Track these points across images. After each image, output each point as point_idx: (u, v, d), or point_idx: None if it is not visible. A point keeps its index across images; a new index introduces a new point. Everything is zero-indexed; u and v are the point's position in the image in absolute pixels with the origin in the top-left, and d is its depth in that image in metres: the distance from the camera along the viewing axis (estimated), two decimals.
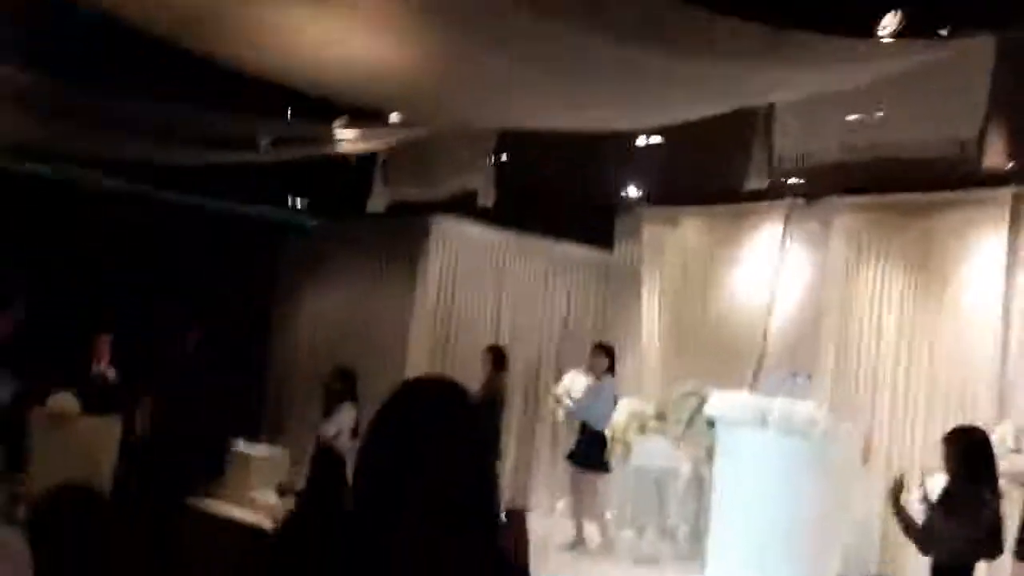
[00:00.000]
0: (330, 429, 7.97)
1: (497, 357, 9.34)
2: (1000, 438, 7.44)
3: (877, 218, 8.93)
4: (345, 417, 8.07)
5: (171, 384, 10.16)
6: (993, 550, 5.06)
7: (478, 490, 1.69)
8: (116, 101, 6.44)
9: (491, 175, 7.79)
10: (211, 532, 8.90)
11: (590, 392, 8.81)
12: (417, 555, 1.64)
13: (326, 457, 7.99)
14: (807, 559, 7.27)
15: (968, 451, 4.94)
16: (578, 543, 8.68)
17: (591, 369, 8.92)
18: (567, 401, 9.72)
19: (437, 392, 1.82)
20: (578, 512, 8.91)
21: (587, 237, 11.07)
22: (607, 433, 9.09)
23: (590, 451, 8.76)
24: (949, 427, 7.94)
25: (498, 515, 1.77)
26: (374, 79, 5.19)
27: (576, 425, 9.19)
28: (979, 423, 7.65)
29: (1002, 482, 7.28)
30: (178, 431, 9.97)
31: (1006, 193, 8.08)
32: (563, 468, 9.55)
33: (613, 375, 8.90)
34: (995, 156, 4.98)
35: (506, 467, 10.33)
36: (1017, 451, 7.12)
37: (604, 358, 8.82)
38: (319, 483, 7.90)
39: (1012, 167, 7.07)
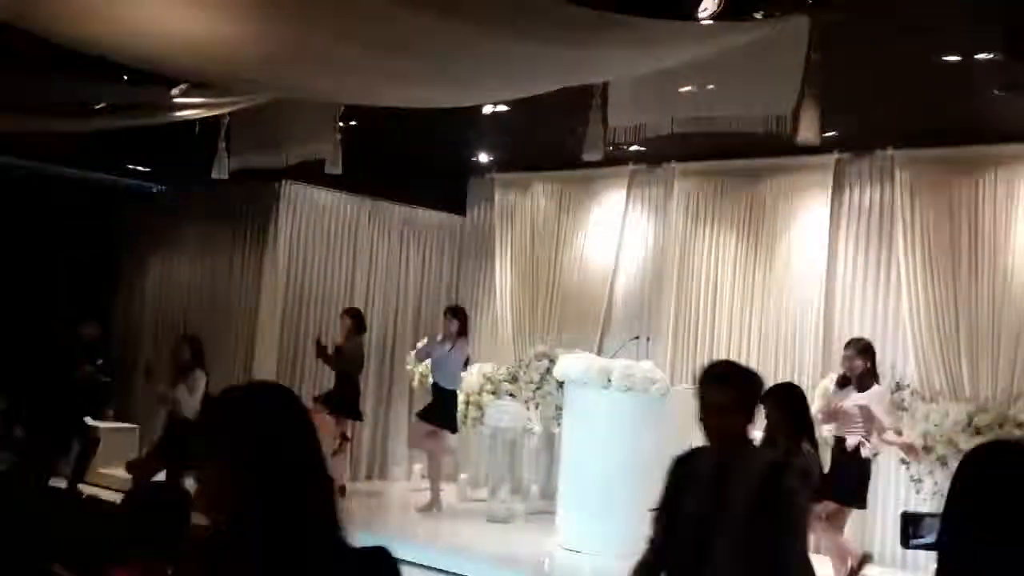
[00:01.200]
0: (184, 396, 7.89)
1: (356, 319, 9.41)
2: (823, 390, 7.98)
3: (712, 183, 9.35)
4: (198, 385, 8.00)
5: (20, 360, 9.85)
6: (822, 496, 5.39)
7: None
8: None
9: (338, 143, 7.76)
10: (63, 510, 8.70)
11: (439, 353, 8.97)
12: None
13: (180, 426, 7.91)
14: (645, 509, 7.63)
15: (791, 407, 5.18)
16: (433, 504, 8.86)
17: (443, 331, 9.06)
18: (420, 366, 9.90)
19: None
20: (433, 473, 9.07)
21: (440, 202, 11.18)
22: (459, 396, 9.30)
23: (438, 409, 8.92)
24: (780, 381, 8.49)
25: None
26: (207, 56, 5.13)
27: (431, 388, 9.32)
28: (806, 378, 8.22)
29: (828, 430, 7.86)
30: (28, 413, 9.69)
31: (830, 159, 8.59)
32: (413, 427, 9.63)
33: (465, 337, 9.05)
34: (807, 131, 5.32)
35: (365, 432, 10.43)
36: None
37: (454, 320, 8.97)
38: (170, 452, 7.81)
39: (829, 136, 7.53)
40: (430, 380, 9.24)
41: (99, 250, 11.39)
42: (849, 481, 6.69)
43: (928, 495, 7.35)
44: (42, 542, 4.09)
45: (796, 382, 7.75)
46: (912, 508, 6.39)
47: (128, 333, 11.29)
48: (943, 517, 1.92)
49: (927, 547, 2.28)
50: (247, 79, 5.78)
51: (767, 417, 5.23)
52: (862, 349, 6.99)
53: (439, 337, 9.11)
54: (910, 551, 4.33)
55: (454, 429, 9.12)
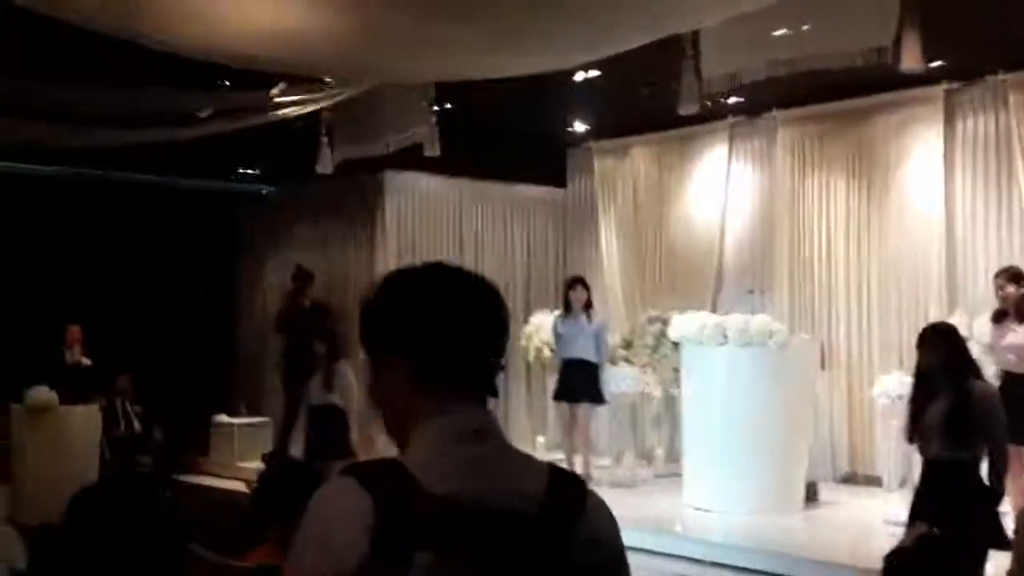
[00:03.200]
0: (334, 394, 7.99)
1: None
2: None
3: (817, 128, 9.10)
4: (348, 376, 8.05)
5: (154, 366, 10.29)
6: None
7: None
8: (48, 87, 6.46)
9: (435, 125, 7.84)
10: (202, 504, 9.08)
11: (576, 327, 8.69)
12: None
13: (326, 415, 8.04)
14: (776, 464, 7.55)
15: (950, 344, 4.92)
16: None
17: (572, 303, 8.65)
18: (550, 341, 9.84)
19: None
20: (571, 447, 8.78)
21: (540, 177, 11.19)
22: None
23: (584, 385, 8.56)
24: (904, 325, 8.24)
25: None
26: (299, 48, 5.25)
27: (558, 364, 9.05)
28: (932, 317, 7.95)
29: None
30: (163, 411, 10.13)
31: (938, 91, 8.27)
32: (556, 407, 9.35)
33: (592, 307, 8.79)
34: (910, 59, 5.13)
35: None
36: (968, 339, 7.35)
37: (583, 291, 8.72)
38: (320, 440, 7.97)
39: (936, 66, 7.24)
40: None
41: (218, 255, 11.78)
42: None
43: None
44: (185, 533, 4.26)
45: (920, 323, 7.58)
46: None
47: (253, 332, 11.64)
48: None
49: None
50: (341, 67, 5.89)
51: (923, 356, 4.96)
52: (1011, 276, 6.65)
53: (561, 313, 8.82)
54: None
55: (603, 400, 8.70)
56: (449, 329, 1.52)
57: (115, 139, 7.58)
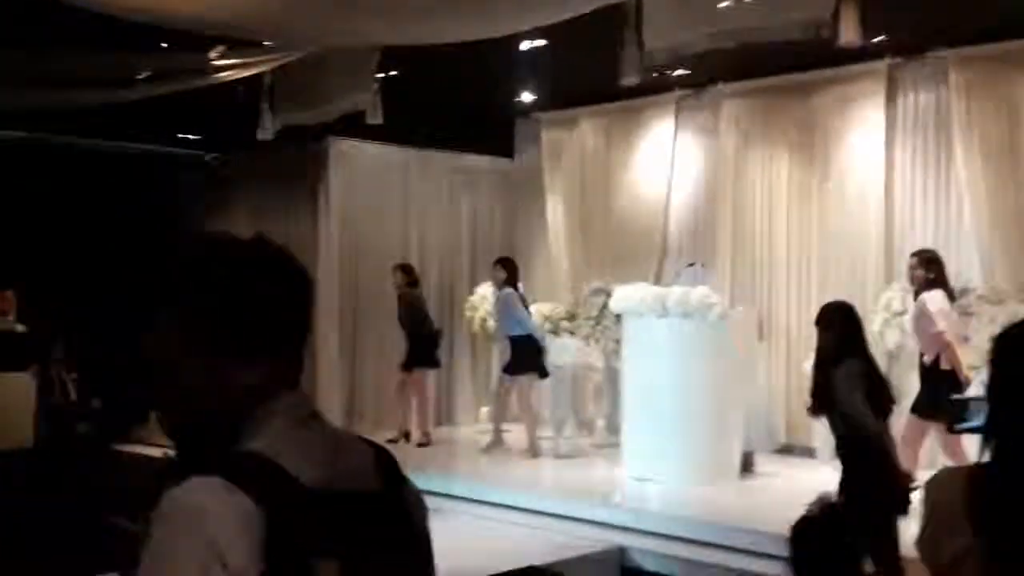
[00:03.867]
0: None
1: (409, 274, 9.50)
2: (886, 303, 7.83)
3: (761, 102, 9.15)
4: None
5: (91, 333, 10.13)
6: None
7: None
8: None
9: (377, 92, 7.75)
10: (135, 473, 8.98)
11: (497, 306, 8.93)
12: None
13: None
14: (713, 434, 7.62)
15: (843, 325, 5.11)
16: (496, 444, 8.90)
17: (493, 283, 9.00)
18: (480, 310, 9.94)
19: None
20: (499, 417, 9.09)
21: (487, 147, 11.12)
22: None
23: (519, 359, 8.82)
24: (843, 298, 8.34)
25: None
26: (240, 11, 5.14)
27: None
28: (870, 291, 8.08)
29: (894, 342, 7.69)
30: (100, 379, 9.99)
31: (880, 66, 8.34)
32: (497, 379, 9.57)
33: (513, 287, 8.94)
34: (849, 34, 5.15)
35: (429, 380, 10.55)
36: (902, 313, 7.47)
37: (501, 271, 8.91)
38: None
39: (878, 42, 7.30)
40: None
41: (158, 221, 11.58)
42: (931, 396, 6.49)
43: None
44: (111, 499, 4.21)
45: (860, 298, 7.68)
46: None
47: None
48: (987, 399, 1.85)
49: (973, 431, 2.22)
50: (281, 31, 5.78)
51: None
52: (924, 260, 6.76)
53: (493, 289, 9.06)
54: None
55: (544, 374, 8.90)
56: (272, 304, 1.40)
57: (53, 101, 7.40)
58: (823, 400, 5.06)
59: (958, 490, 1.74)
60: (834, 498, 4.09)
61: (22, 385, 9.17)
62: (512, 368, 8.86)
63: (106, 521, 3.42)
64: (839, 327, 5.08)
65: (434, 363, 9.65)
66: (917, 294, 6.71)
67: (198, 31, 6.25)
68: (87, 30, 6.49)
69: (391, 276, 9.59)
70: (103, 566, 3.11)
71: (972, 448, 6.02)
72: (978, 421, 2.24)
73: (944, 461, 6.31)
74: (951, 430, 2.27)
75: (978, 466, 1.78)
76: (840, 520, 2.61)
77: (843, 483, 4.82)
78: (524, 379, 8.88)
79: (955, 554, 1.71)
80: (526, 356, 8.79)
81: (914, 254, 6.92)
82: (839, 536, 2.55)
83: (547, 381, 9.06)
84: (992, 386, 1.82)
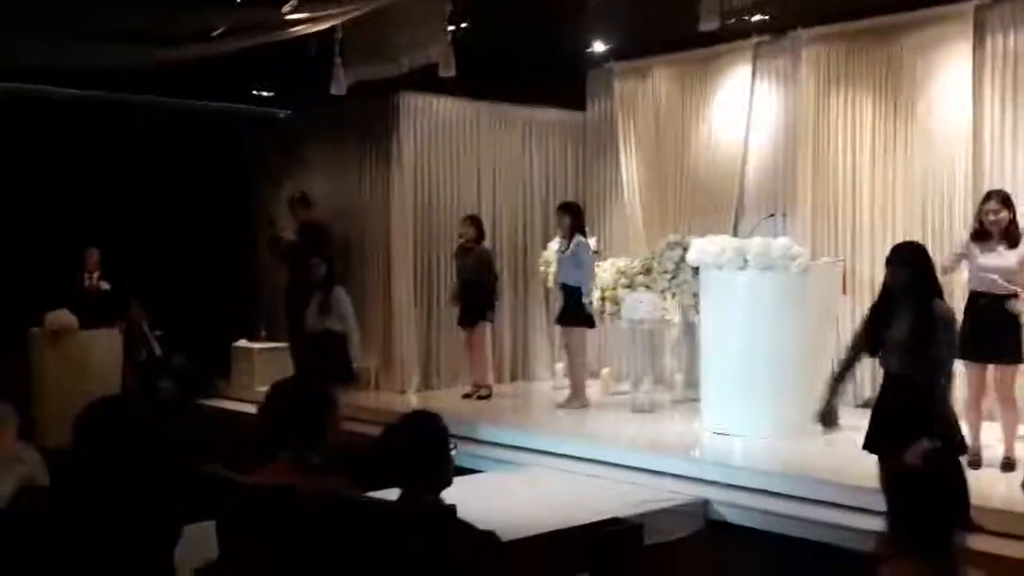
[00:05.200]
0: (313, 313, 8.16)
1: (478, 227, 9.52)
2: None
3: (843, 46, 8.86)
4: (344, 301, 8.23)
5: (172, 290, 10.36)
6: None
7: None
8: (53, 6, 6.35)
9: (450, 45, 7.69)
10: (220, 428, 9.17)
11: (569, 254, 8.88)
12: None
13: (326, 340, 8.17)
14: (796, 388, 7.48)
15: (917, 262, 5.00)
16: (573, 398, 8.90)
17: (560, 228, 8.96)
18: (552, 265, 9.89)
19: None
20: (571, 369, 9.10)
21: (559, 99, 10.99)
22: (595, 292, 9.22)
23: (569, 309, 8.88)
24: (929, 248, 8.12)
25: None
26: None
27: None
28: (956, 240, 7.82)
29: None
30: (184, 336, 10.20)
31: (968, 7, 8.01)
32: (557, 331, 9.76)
33: (582, 234, 8.90)
34: None
35: (505, 335, 10.57)
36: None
37: (567, 216, 8.85)
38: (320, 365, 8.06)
39: None
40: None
41: (233, 178, 11.71)
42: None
43: None
44: (201, 452, 4.27)
45: (946, 247, 7.45)
46: None
47: (271, 257, 11.61)
48: None
49: None
50: None
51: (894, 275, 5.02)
52: (1004, 199, 6.51)
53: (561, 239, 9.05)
54: None
55: (591, 324, 9.04)
56: None
57: (128, 59, 7.47)
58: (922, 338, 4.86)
59: None
60: (929, 445, 4.00)
61: (109, 341, 9.39)
62: (571, 318, 8.83)
63: (199, 470, 3.46)
64: (912, 267, 4.96)
65: (492, 319, 9.71)
66: (985, 235, 6.45)
67: None
68: None
69: (461, 227, 9.58)
70: (198, 514, 3.14)
71: None
72: None
73: None
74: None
75: None
76: (946, 464, 2.52)
77: (913, 429, 4.66)
78: (579, 330, 8.88)
79: None
80: (581, 306, 8.79)
81: (991, 194, 6.62)
82: (945, 482, 2.45)
83: (625, 335, 9.02)
84: None
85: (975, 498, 2.64)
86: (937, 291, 5.03)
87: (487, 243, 9.75)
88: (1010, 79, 7.98)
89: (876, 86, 8.65)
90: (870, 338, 5.12)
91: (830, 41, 8.92)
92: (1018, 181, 7.67)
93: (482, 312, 9.50)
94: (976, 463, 6.25)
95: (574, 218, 8.90)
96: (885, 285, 5.10)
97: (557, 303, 9.39)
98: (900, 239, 8.38)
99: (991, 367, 6.40)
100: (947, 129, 8.21)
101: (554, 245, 9.61)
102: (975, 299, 6.45)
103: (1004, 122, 8.02)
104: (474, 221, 9.61)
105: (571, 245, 8.80)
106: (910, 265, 4.97)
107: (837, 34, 8.86)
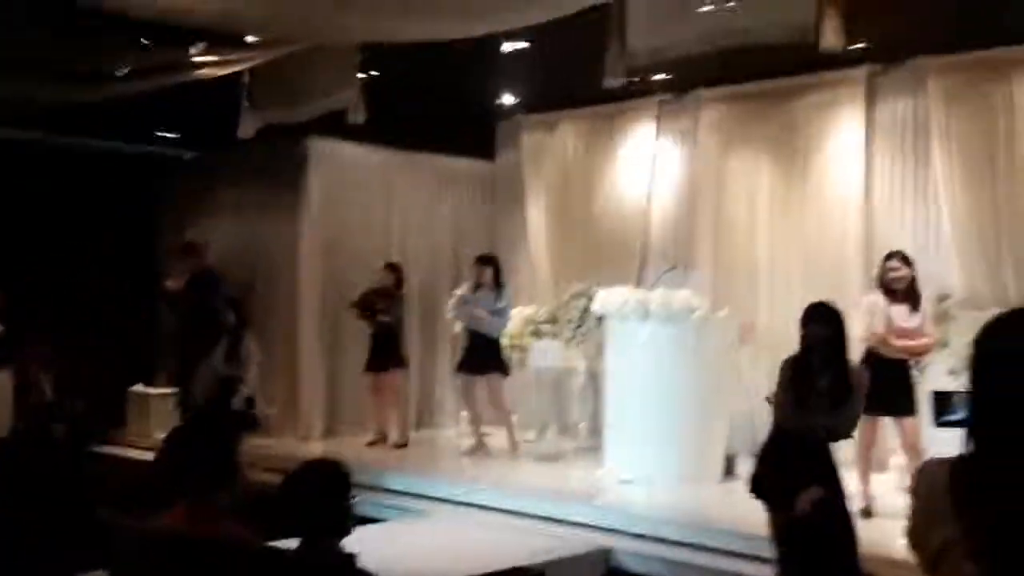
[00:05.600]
0: (238, 365, 7.98)
1: (399, 274, 9.48)
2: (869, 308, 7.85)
3: (742, 108, 9.20)
4: (252, 347, 8.10)
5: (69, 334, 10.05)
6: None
7: None
8: None
9: (360, 92, 7.73)
10: (117, 475, 8.91)
11: (497, 304, 8.86)
12: None
13: (229, 385, 8.02)
14: (696, 437, 7.65)
15: (838, 321, 5.13)
16: (478, 448, 8.91)
17: (478, 281, 8.98)
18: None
19: None
20: (476, 419, 9.09)
21: (469, 149, 11.12)
22: (503, 340, 9.26)
23: (483, 357, 8.87)
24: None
25: None
26: (224, 3, 5.11)
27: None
28: (849, 297, 8.10)
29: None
30: (79, 380, 9.90)
31: (860, 73, 8.40)
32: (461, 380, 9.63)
33: (499, 284, 8.99)
34: (831, 37, 5.19)
35: (412, 383, 10.52)
36: None
37: (488, 269, 8.92)
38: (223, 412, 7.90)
39: (858, 49, 7.35)
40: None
41: (136, 221, 11.49)
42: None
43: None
44: (94, 498, 4.17)
45: (840, 301, 7.71)
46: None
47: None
48: (969, 391, 1.87)
49: (956, 424, 2.24)
50: (264, 24, 5.75)
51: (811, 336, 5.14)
52: (903, 258, 6.81)
53: (473, 288, 9.04)
54: None
55: (507, 372, 9.02)
56: None
57: (27, 97, 7.33)
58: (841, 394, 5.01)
59: (942, 480, 1.77)
60: (819, 493, 4.12)
61: (1, 383, 9.08)
62: (491, 366, 8.84)
63: (92, 517, 3.39)
64: (837, 324, 5.10)
65: (404, 363, 9.66)
66: (892, 294, 6.74)
67: (183, 25, 6.21)
68: (64, 24, 6.44)
69: (379, 274, 9.53)
70: (91, 562, 3.08)
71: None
72: (960, 415, 2.27)
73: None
74: (936, 423, 2.30)
75: (960, 457, 1.80)
76: (832, 512, 2.61)
77: (818, 481, 4.78)
78: (497, 376, 8.91)
79: (941, 543, 1.74)
80: (500, 353, 8.79)
81: (891, 254, 6.92)
82: (830, 529, 2.54)
83: (531, 383, 9.08)
84: (973, 377, 1.85)
85: (871, 546, 2.71)
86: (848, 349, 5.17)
87: (403, 292, 9.67)
88: (900, 143, 8.39)
89: (773, 146, 8.99)
90: (794, 396, 5.13)
91: (729, 102, 9.25)
92: (907, 240, 8.01)
93: (394, 357, 9.42)
94: (868, 512, 6.44)
95: (496, 271, 8.92)
96: (804, 344, 5.13)
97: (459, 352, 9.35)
98: (796, 293, 8.70)
99: (888, 420, 6.64)
100: (840, 189, 8.56)
101: (459, 291, 9.65)
102: (871, 355, 6.56)
103: (894, 183, 8.40)
104: (393, 268, 9.55)
105: (495, 296, 8.79)
106: (829, 323, 5.07)
107: (736, 95, 9.19)
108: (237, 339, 8.10)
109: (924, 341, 6.67)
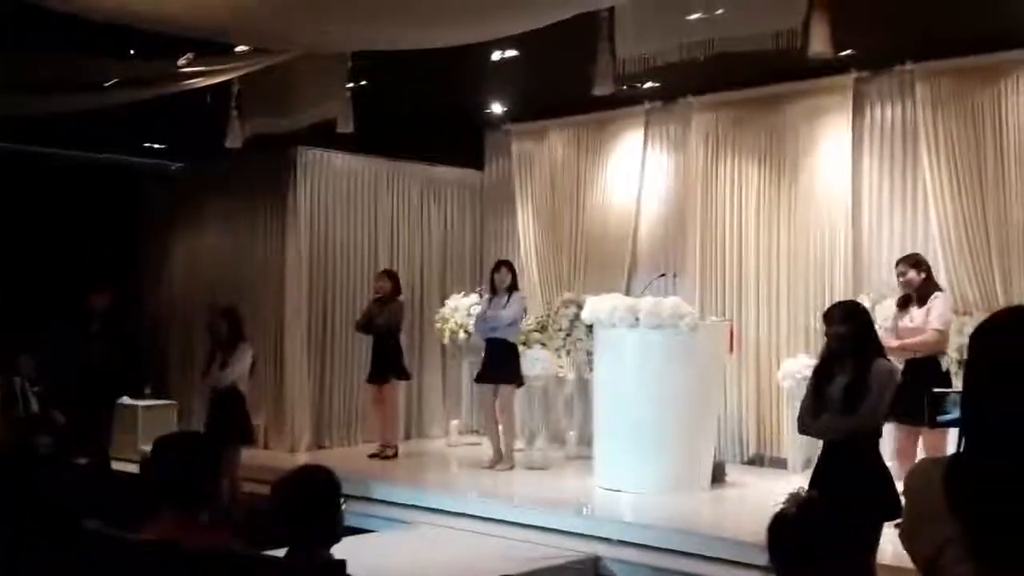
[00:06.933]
0: (232, 374, 7.85)
1: (396, 281, 9.37)
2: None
3: (730, 115, 9.21)
4: (245, 359, 7.97)
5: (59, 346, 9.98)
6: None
7: None
8: None
9: (349, 102, 7.73)
10: (103, 486, 8.83)
11: (513, 310, 8.65)
12: None
13: (228, 399, 7.91)
14: (684, 445, 7.64)
15: (858, 320, 4.99)
16: (497, 461, 8.62)
17: (497, 285, 8.69)
18: (450, 323, 9.89)
19: None
20: (492, 431, 8.77)
21: (457, 158, 11.11)
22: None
23: (498, 367, 8.64)
24: (811, 309, 8.40)
25: None
26: (212, 12, 5.10)
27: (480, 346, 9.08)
28: (838, 300, 8.10)
29: None
30: (66, 392, 9.83)
31: (847, 80, 8.43)
32: (477, 390, 9.37)
33: (517, 289, 8.81)
34: (819, 45, 5.20)
35: (400, 392, 10.46)
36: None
37: (509, 274, 8.69)
38: (220, 424, 7.82)
39: (846, 55, 7.38)
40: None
41: (123, 232, 11.44)
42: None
43: None
44: (80, 510, 4.13)
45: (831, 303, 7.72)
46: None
47: (159, 313, 11.35)
48: (963, 391, 1.86)
49: (952, 424, 2.23)
50: (252, 34, 5.74)
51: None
52: (914, 262, 6.78)
53: (480, 295, 8.93)
54: None
55: (522, 382, 8.81)
56: None
57: (13, 107, 7.30)
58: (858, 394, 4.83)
59: (937, 480, 1.76)
60: (807, 493, 4.06)
61: None
62: (504, 376, 8.68)
63: (80, 527, 3.35)
64: (855, 322, 4.93)
65: (407, 375, 9.59)
66: (907, 300, 6.73)
67: (172, 33, 6.18)
68: (52, 34, 6.41)
69: (376, 281, 9.44)
70: (80, 574, 3.05)
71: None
72: (956, 414, 2.26)
73: None
74: (932, 424, 2.27)
75: (955, 456, 1.79)
76: (820, 512, 2.58)
77: (838, 488, 4.62)
78: (509, 387, 8.73)
79: (937, 543, 1.72)
80: (516, 362, 8.71)
81: (901, 259, 6.90)
82: (818, 527, 2.52)
83: (520, 392, 9.01)
84: (967, 376, 1.84)
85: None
86: (878, 349, 5.00)
87: (402, 298, 9.59)
88: (887, 148, 8.42)
89: (761, 153, 9.01)
90: (811, 401, 4.99)
91: (718, 109, 9.27)
92: (895, 248, 8.04)
93: (395, 368, 9.35)
94: None
95: (515, 275, 8.75)
96: (828, 344, 5.01)
97: (466, 360, 9.23)
98: (784, 302, 8.73)
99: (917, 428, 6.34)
100: (828, 195, 8.58)
101: (466, 300, 9.60)
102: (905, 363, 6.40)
103: (882, 188, 8.43)
104: (390, 275, 9.47)
105: (508, 301, 8.62)
106: (844, 322, 4.92)
107: (725, 102, 9.21)
108: (232, 351, 7.96)
109: (920, 338, 6.60)
